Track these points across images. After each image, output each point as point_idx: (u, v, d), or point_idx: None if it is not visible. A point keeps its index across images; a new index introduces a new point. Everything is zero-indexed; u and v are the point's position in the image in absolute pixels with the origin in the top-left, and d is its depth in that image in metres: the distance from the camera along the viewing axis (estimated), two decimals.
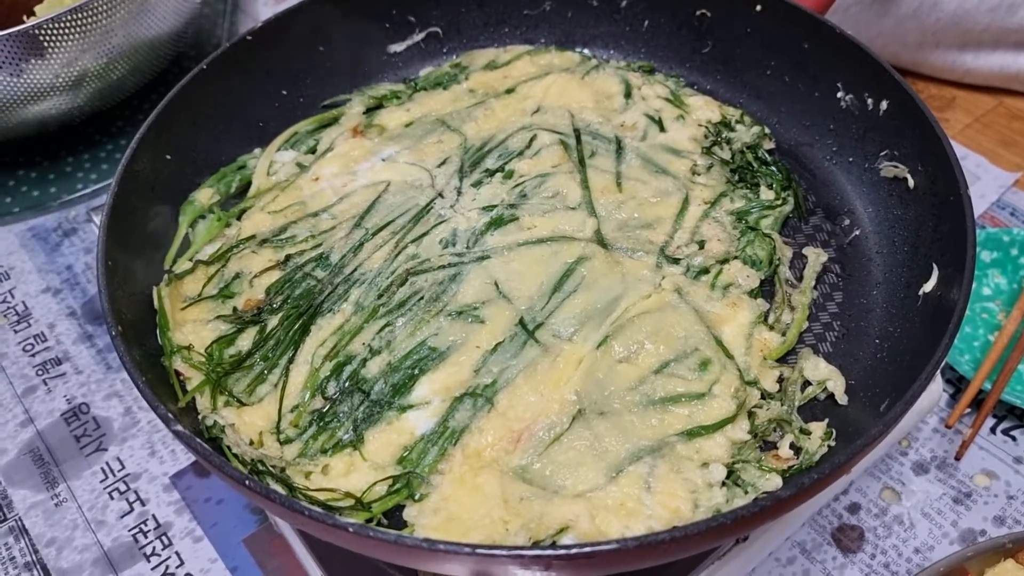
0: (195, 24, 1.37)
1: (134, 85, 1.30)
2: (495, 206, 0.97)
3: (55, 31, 1.09)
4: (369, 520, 0.76)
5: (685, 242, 0.94)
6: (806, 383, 0.86)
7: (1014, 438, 0.99)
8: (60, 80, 1.15)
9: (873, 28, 1.37)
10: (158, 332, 0.87)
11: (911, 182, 0.94)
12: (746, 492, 0.76)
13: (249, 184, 1.05)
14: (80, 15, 1.10)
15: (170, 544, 0.95)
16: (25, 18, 1.15)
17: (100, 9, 1.11)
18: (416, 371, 0.83)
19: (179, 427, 0.70)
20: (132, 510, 0.98)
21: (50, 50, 1.11)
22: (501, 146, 1.04)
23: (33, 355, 1.13)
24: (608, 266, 0.90)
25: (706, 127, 1.07)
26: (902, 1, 1.33)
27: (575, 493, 0.75)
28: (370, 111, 1.13)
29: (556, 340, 0.85)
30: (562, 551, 0.60)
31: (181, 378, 0.85)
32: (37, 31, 1.08)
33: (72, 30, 1.10)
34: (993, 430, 1.00)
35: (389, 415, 0.81)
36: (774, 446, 0.81)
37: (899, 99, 0.95)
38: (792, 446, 0.80)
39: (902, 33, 1.36)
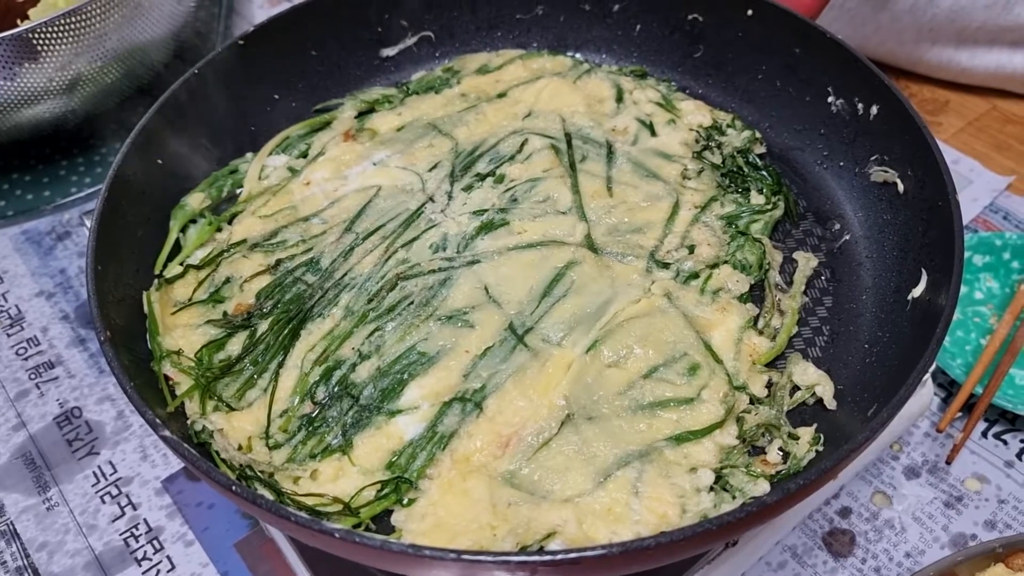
0: (190, 28, 1.37)
1: (128, 89, 1.30)
2: (486, 210, 0.97)
3: (49, 35, 1.09)
4: (357, 525, 0.76)
5: (675, 247, 0.94)
6: (795, 388, 0.86)
7: (1005, 442, 0.99)
8: (54, 84, 1.15)
9: (870, 24, 1.37)
10: (148, 337, 0.87)
11: (900, 187, 0.94)
12: (734, 497, 0.76)
13: (240, 188, 1.05)
14: (74, 19, 1.10)
15: (161, 548, 0.95)
16: (19, 22, 1.14)
17: (94, 13, 1.12)
18: (405, 376, 0.83)
19: (167, 432, 0.70)
20: (124, 514, 0.98)
21: (44, 54, 1.11)
22: (492, 150, 1.04)
23: (26, 359, 1.13)
24: (598, 271, 0.90)
25: (697, 131, 1.08)
26: None
27: (563, 498, 0.75)
28: (362, 115, 1.14)
29: (545, 345, 0.85)
30: (548, 556, 0.60)
31: (170, 383, 0.85)
32: (31, 35, 1.08)
33: (66, 34, 1.10)
34: (984, 434, 1.00)
35: (378, 420, 0.81)
36: (762, 451, 0.81)
37: (889, 104, 0.95)
38: (780, 451, 0.80)
39: (899, 29, 1.36)
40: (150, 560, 0.94)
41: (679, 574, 0.83)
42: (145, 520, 0.97)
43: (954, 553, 0.78)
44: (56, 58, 1.12)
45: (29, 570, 0.94)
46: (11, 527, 0.97)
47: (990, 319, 1.08)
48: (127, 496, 0.99)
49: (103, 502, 0.99)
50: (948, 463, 0.97)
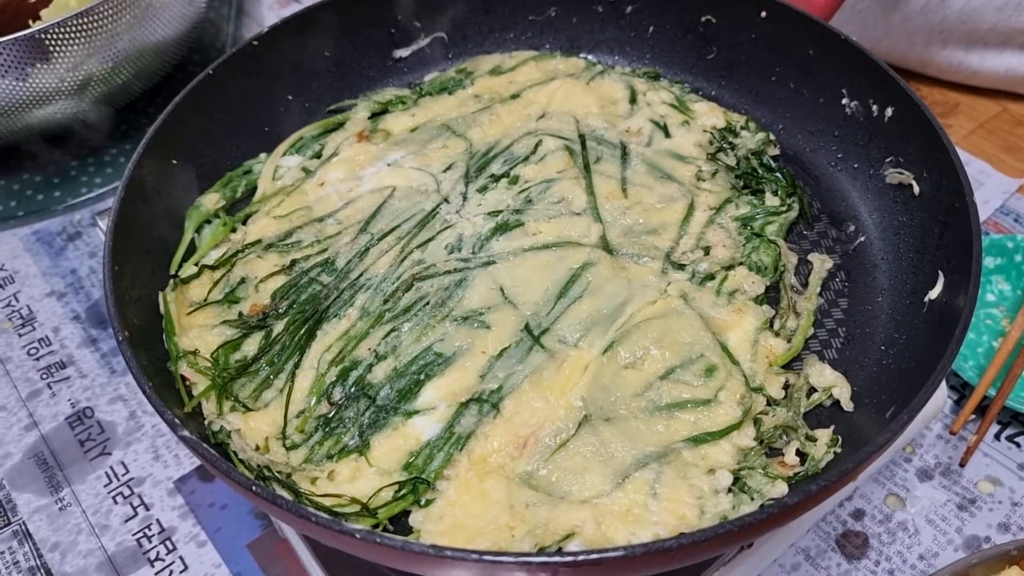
0: (200, 28, 1.37)
1: (139, 89, 1.30)
2: (500, 211, 0.97)
3: (61, 36, 1.09)
4: (375, 526, 0.76)
5: (691, 248, 0.94)
6: (811, 390, 0.86)
7: (1018, 445, 0.99)
8: (65, 84, 1.15)
9: (880, 26, 1.37)
10: (164, 337, 0.87)
11: (916, 188, 0.94)
12: (752, 499, 0.76)
13: (255, 189, 1.05)
14: (85, 20, 1.10)
15: (174, 549, 0.95)
16: (31, 23, 1.14)
17: (105, 14, 1.12)
18: (422, 376, 0.83)
19: (186, 432, 0.70)
20: (136, 514, 0.97)
21: (55, 54, 1.10)
22: (506, 151, 1.04)
23: (37, 359, 1.12)
24: (613, 272, 0.90)
25: (711, 133, 1.07)
26: None
27: (581, 499, 0.75)
28: (375, 116, 1.14)
29: (562, 346, 0.85)
30: (569, 558, 0.60)
31: (187, 383, 0.85)
32: (43, 36, 1.08)
33: (77, 35, 1.10)
34: (997, 437, 0.99)
35: (395, 420, 0.81)
36: (780, 453, 0.81)
37: (904, 105, 0.95)
38: (798, 453, 0.80)
39: (909, 31, 1.36)
40: (163, 561, 0.94)
41: None
42: (158, 520, 0.97)
43: (968, 556, 0.77)
44: (67, 59, 1.12)
45: (42, 570, 0.93)
46: (24, 527, 0.97)
47: (1002, 321, 1.08)
48: (139, 496, 0.99)
49: (115, 502, 0.99)
50: (961, 465, 0.97)
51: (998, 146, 1.33)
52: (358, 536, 0.62)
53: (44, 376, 1.11)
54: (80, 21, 1.10)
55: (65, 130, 1.26)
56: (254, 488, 0.65)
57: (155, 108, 1.39)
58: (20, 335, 1.15)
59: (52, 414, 1.07)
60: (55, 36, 1.09)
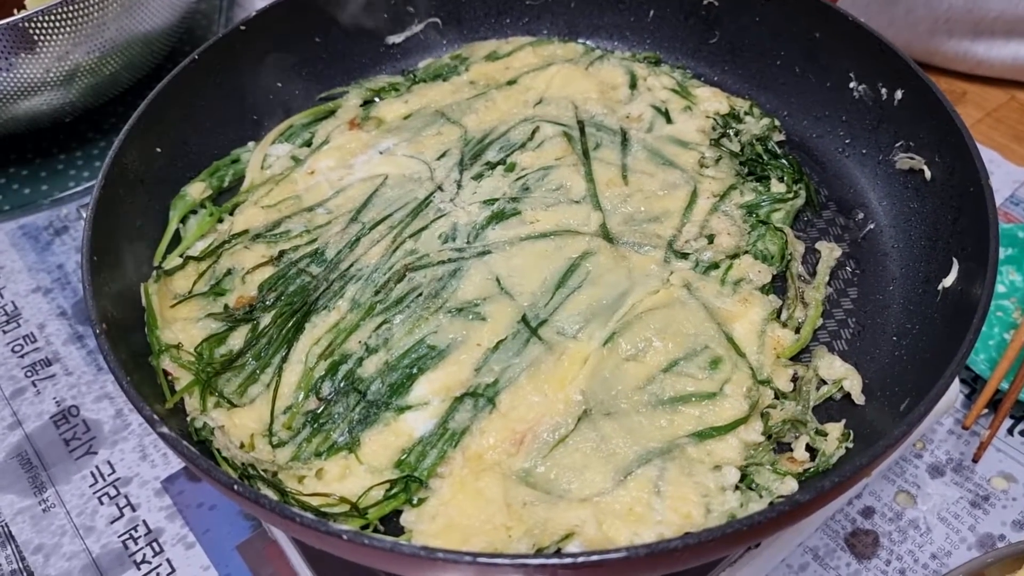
0: (191, 18, 1.36)
1: (128, 81, 1.28)
2: (496, 200, 0.95)
3: (46, 24, 1.07)
4: (365, 526, 0.73)
5: (694, 236, 0.92)
6: (821, 382, 0.83)
7: None
8: (51, 75, 1.13)
9: (884, 15, 1.35)
10: (146, 330, 0.85)
11: (928, 174, 0.92)
12: (761, 496, 0.74)
13: (242, 178, 1.04)
14: (72, 8, 1.08)
15: (161, 551, 0.92)
16: (15, 11, 1.12)
17: (92, 2, 1.10)
18: (414, 370, 0.81)
19: (165, 429, 0.67)
20: (122, 515, 0.95)
21: (41, 44, 1.09)
22: (503, 138, 1.02)
23: (22, 356, 1.10)
24: (614, 261, 0.88)
25: (714, 119, 1.05)
26: None
27: (581, 497, 0.72)
28: (367, 103, 1.12)
29: (560, 338, 0.82)
30: (568, 559, 0.58)
31: (169, 378, 0.83)
32: (27, 24, 1.06)
33: (63, 23, 1.09)
34: (1011, 431, 0.97)
35: (386, 416, 0.79)
36: (789, 448, 0.78)
37: (915, 88, 0.93)
38: (808, 448, 0.78)
39: (914, 20, 1.34)
40: (149, 563, 0.92)
41: None
42: (144, 522, 0.95)
43: (982, 555, 0.76)
44: (53, 48, 1.10)
45: (24, 573, 0.91)
46: (6, 529, 0.95)
47: (1013, 313, 1.05)
48: (126, 497, 0.97)
49: (101, 503, 0.96)
50: (974, 461, 0.95)
51: (1007, 135, 1.31)
52: (345, 537, 0.59)
53: (29, 374, 1.08)
54: (66, 9, 1.08)
55: (52, 122, 1.24)
56: (236, 487, 0.63)
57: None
58: (4, 332, 1.13)
59: (36, 412, 1.05)
60: (40, 24, 1.07)
